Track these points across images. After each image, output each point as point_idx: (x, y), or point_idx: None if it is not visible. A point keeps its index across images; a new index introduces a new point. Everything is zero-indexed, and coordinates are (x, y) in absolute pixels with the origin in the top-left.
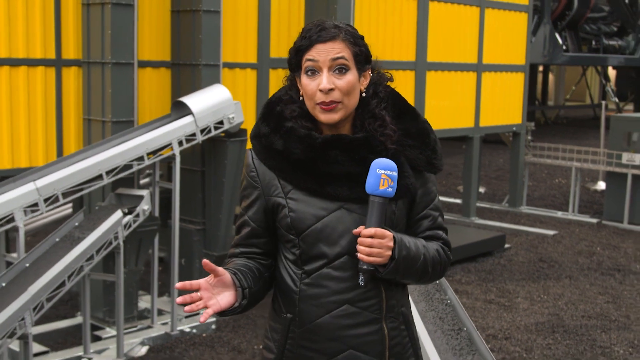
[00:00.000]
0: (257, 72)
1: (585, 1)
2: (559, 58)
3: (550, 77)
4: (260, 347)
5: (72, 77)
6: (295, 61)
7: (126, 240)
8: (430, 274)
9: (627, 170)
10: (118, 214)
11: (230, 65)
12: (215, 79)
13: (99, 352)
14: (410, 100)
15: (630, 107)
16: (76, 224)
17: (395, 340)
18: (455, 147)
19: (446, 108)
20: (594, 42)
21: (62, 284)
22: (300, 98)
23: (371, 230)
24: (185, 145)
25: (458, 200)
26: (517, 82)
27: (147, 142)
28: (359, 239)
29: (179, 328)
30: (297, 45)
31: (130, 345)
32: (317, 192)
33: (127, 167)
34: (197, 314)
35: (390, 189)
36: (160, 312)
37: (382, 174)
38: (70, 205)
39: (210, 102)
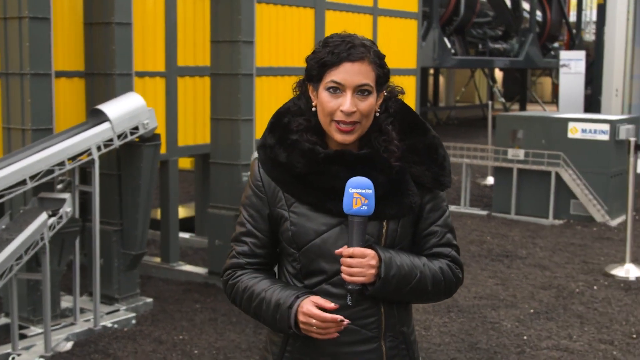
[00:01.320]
0: (165, 80)
1: (471, 6)
2: (448, 61)
3: (441, 79)
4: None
5: None
6: (317, 73)
7: (50, 241)
8: (430, 292)
9: (512, 165)
10: (43, 216)
11: (141, 74)
12: (128, 88)
13: (27, 348)
14: None
15: (516, 106)
16: (3, 226)
17: None
18: None
19: None
20: (480, 46)
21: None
22: (313, 109)
23: (349, 250)
24: (103, 150)
25: None
26: (409, 86)
27: (67, 148)
28: (341, 259)
29: (101, 324)
30: (323, 59)
31: (56, 341)
32: (318, 207)
33: (49, 172)
34: (117, 310)
35: (365, 207)
36: (82, 311)
37: (354, 193)
38: None
39: (125, 109)
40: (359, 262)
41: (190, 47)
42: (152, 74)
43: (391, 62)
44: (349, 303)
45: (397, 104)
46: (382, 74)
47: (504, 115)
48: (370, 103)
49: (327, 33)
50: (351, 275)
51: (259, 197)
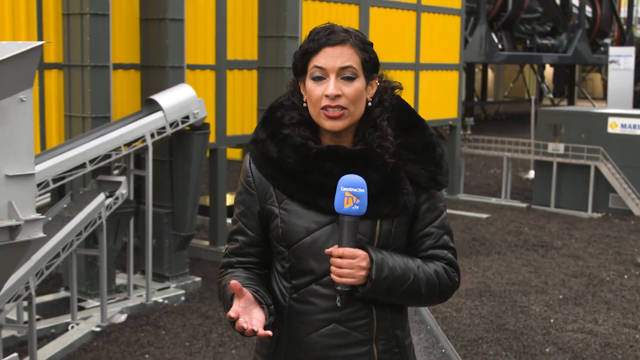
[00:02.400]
0: (215, 73)
1: (519, 3)
2: (495, 57)
3: (490, 75)
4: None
5: (53, 79)
6: (301, 65)
7: (107, 220)
8: (425, 295)
9: (552, 159)
10: (101, 196)
11: (192, 67)
12: (180, 79)
13: (85, 319)
14: None
15: (565, 102)
16: (64, 205)
17: None
18: None
19: None
20: (528, 42)
21: (57, 255)
22: (304, 104)
23: (339, 251)
24: (156, 138)
25: None
26: (452, 80)
27: (123, 135)
28: (331, 259)
29: (153, 299)
30: (305, 47)
31: (111, 313)
32: (310, 204)
33: (107, 156)
34: (168, 287)
35: (356, 207)
36: (135, 287)
37: (346, 192)
38: (46, 196)
39: (177, 99)
40: (349, 263)
41: (239, 41)
42: (203, 67)
43: (434, 58)
44: (338, 304)
45: (394, 100)
46: (368, 58)
47: (545, 110)
48: (356, 88)
49: (372, 29)
50: (340, 276)
51: (250, 194)
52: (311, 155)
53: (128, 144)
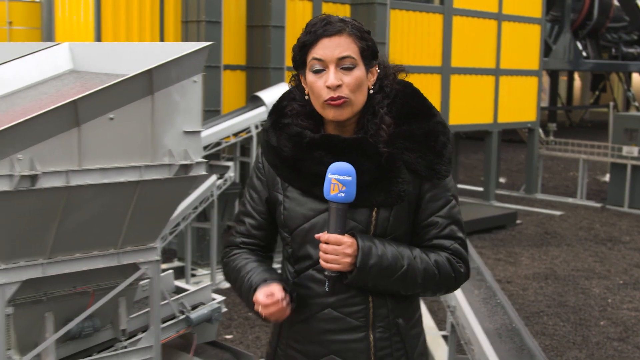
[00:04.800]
0: None
1: (605, 12)
2: (580, 65)
3: (577, 82)
4: None
5: None
6: (300, 58)
7: (217, 199)
8: (422, 285)
9: (627, 162)
10: (214, 177)
11: (290, 68)
12: (280, 79)
13: (196, 284)
14: (436, 101)
15: None
16: None
17: (384, 352)
18: (480, 145)
19: (468, 107)
20: (613, 50)
21: (178, 225)
22: (306, 97)
23: (324, 236)
24: (260, 129)
25: (480, 188)
26: (531, 85)
27: (232, 126)
28: (319, 244)
29: None
30: (302, 40)
31: (219, 279)
32: (306, 192)
33: (218, 144)
34: None
35: (342, 194)
36: None
37: (332, 179)
38: None
39: (278, 96)
40: (334, 249)
41: None
42: None
43: (514, 64)
44: (327, 289)
45: (397, 86)
46: (366, 46)
47: (620, 114)
48: (356, 76)
49: (454, 36)
50: (326, 261)
51: (260, 180)
52: (304, 144)
53: (235, 134)
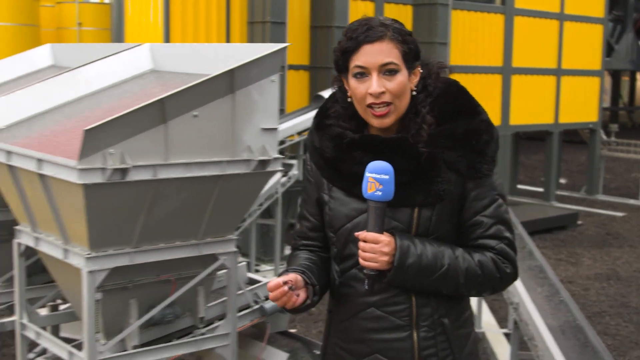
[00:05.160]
0: None
1: None
2: None
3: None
4: None
5: None
6: (342, 63)
7: (281, 196)
8: (464, 285)
9: None
10: (278, 175)
11: None
12: None
13: None
14: (497, 101)
15: None
16: None
17: (429, 351)
18: (541, 146)
19: (529, 107)
20: None
21: (243, 221)
22: (349, 99)
23: (362, 234)
24: None
25: (541, 189)
26: (593, 85)
27: (295, 125)
28: (358, 243)
29: None
30: (344, 46)
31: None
32: (349, 192)
33: (282, 142)
34: None
35: (380, 193)
36: None
37: (369, 178)
38: None
39: None
40: (371, 248)
41: None
42: None
43: (575, 64)
44: (366, 287)
45: (441, 85)
46: (408, 49)
47: None
48: (399, 82)
49: (516, 36)
50: (364, 260)
51: (309, 181)
52: (344, 144)
53: (299, 133)
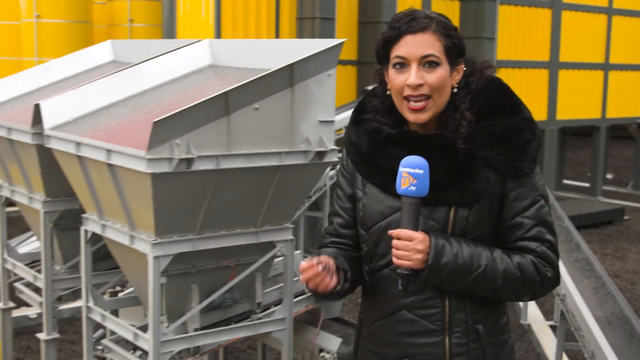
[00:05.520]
0: None
1: None
2: None
3: None
4: None
5: None
6: (383, 53)
7: (329, 189)
8: (502, 288)
9: None
10: (328, 169)
11: None
12: None
13: None
14: (543, 95)
15: None
16: None
17: (461, 358)
18: (588, 141)
19: (576, 102)
20: None
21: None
22: (387, 92)
23: (395, 232)
24: None
25: (587, 184)
26: None
27: (344, 119)
28: (392, 241)
29: None
30: (386, 36)
31: None
32: (384, 188)
33: None
34: None
35: (414, 188)
36: None
37: (404, 172)
38: None
39: None
40: (405, 245)
41: None
42: None
43: (623, 58)
44: (400, 288)
45: (482, 82)
46: (451, 44)
47: None
48: (439, 75)
49: (563, 31)
50: (397, 257)
51: (344, 177)
52: (380, 139)
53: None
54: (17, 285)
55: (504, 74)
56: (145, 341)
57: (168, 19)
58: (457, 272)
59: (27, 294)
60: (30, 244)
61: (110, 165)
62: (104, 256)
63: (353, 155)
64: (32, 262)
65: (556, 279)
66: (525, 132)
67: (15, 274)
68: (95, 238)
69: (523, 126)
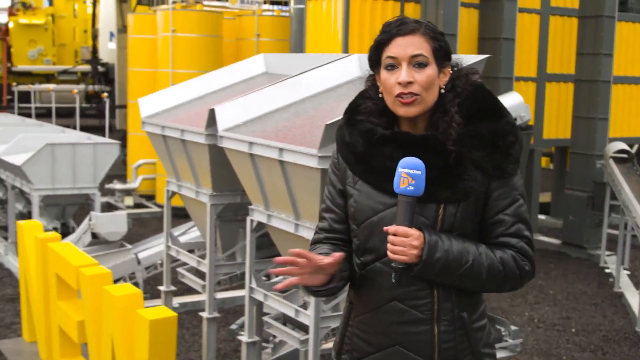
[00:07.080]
0: (536, 84)
1: None
2: None
3: None
4: None
5: None
6: (375, 57)
7: None
8: (486, 280)
9: None
10: None
11: (517, 79)
12: (509, 88)
13: None
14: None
15: None
16: None
17: (448, 345)
18: None
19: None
20: None
21: None
22: (380, 95)
23: (393, 228)
24: None
25: None
26: None
27: None
28: (388, 237)
29: None
30: (378, 40)
31: None
32: (377, 186)
33: None
34: None
35: (411, 188)
36: None
37: (402, 173)
38: None
39: (508, 103)
40: (401, 241)
41: (557, 57)
42: (526, 79)
43: None
44: (393, 281)
45: (470, 86)
46: (439, 46)
47: None
48: (428, 74)
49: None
50: (393, 253)
51: (335, 174)
52: (374, 140)
53: None
54: (180, 270)
55: (620, 90)
56: (307, 317)
57: (297, 33)
58: (448, 266)
59: (190, 278)
60: (189, 234)
61: (281, 162)
62: (258, 246)
63: (347, 155)
64: (189, 250)
65: (532, 273)
66: (509, 135)
67: (177, 260)
68: (259, 227)
69: (507, 130)
